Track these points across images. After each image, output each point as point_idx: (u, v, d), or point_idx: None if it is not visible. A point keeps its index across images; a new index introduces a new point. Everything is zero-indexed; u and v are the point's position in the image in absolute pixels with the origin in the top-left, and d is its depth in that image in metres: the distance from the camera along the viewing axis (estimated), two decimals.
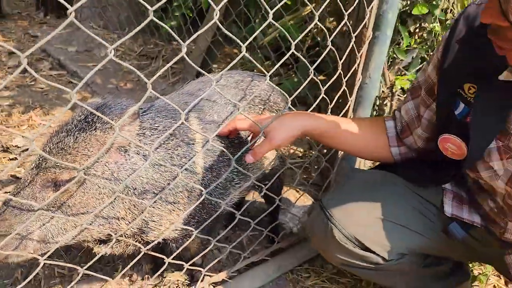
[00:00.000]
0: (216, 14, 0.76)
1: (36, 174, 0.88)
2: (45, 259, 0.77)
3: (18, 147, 1.95)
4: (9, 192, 1.64)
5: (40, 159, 0.89)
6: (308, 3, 1.02)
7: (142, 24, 0.67)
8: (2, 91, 2.48)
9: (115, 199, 0.91)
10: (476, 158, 0.87)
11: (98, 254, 0.92)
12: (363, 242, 0.99)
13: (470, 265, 1.49)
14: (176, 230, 1.05)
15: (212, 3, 0.83)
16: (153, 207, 0.97)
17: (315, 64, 1.09)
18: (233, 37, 0.87)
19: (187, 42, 0.74)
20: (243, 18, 2.22)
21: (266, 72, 0.96)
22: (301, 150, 1.98)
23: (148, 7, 0.64)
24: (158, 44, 3.04)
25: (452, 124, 0.91)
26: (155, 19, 0.66)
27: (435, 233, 1.03)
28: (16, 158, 1.87)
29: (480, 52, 0.84)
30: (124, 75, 2.77)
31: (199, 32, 1.00)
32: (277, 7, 0.97)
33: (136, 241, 1.01)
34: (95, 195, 0.89)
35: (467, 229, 1.01)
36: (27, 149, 1.94)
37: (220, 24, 0.82)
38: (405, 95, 1.06)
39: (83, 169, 0.73)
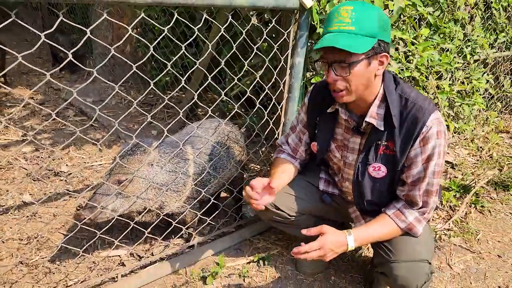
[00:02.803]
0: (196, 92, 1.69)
1: (108, 177, 1.77)
2: (117, 216, 1.66)
3: (64, 172, 2.83)
4: (64, 200, 2.51)
5: (110, 170, 1.78)
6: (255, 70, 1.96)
7: (125, 77, 1.57)
8: (43, 134, 3.38)
9: (148, 188, 1.81)
10: (322, 153, 1.77)
11: (137, 221, 1.81)
12: (277, 205, 1.87)
13: None
14: (178, 207, 1.95)
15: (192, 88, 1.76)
16: (166, 193, 1.87)
17: (266, 109, 2.02)
18: (210, 111, 1.80)
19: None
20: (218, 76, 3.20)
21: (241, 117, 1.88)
22: (258, 166, 2.90)
23: (132, 64, 1.49)
24: (156, 93, 3.99)
25: (315, 136, 1.83)
26: (137, 70, 1.56)
27: (316, 201, 1.92)
28: (65, 180, 2.75)
29: (322, 100, 1.75)
30: (132, 119, 3.70)
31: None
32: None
33: (157, 213, 1.90)
34: (138, 186, 1.79)
35: (331, 197, 1.92)
36: (71, 173, 2.82)
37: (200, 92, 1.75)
38: (288, 132, 1.98)
39: (134, 173, 1.63)
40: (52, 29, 1.38)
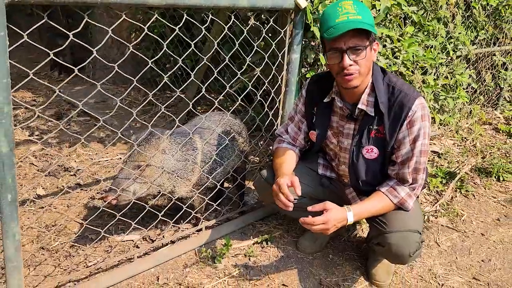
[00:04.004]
0: (199, 87, 1.86)
1: (127, 163, 1.93)
2: (134, 199, 1.82)
3: (73, 167, 2.97)
4: (77, 192, 2.65)
5: (128, 156, 1.94)
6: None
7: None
8: (49, 133, 3.51)
9: (161, 173, 1.97)
10: (320, 140, 1.95)
11: (151, 204, 1.98)
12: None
13: None
14: (188, 192, 2.11)
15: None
16: (177, 179, 2.04)
17: (266, 102, 2.20)
18: (215, 103, 1.97)
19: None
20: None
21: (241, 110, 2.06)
22: (258, 158, 3.08)
23: (148, 60, 1.68)
24: (156, 94, 4.15)
25: (312, 125, 2.01)
26: (153, 65, 1.73)
27: (316, 185, 2.10)
28: (74, 175, 2.89)
29: (318, 92, 1.93)
30: (134, 118, 3.85)
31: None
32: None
33: (169, 197, 2.06)
34: (154, 171, 1.95)
35: (329, 180, 2.11)
36: (80, 169, 2.96)
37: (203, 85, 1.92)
38: (286, 122, 2.15)
39: (150, 159, 1.80)
40: (79, 29, 1.55)
